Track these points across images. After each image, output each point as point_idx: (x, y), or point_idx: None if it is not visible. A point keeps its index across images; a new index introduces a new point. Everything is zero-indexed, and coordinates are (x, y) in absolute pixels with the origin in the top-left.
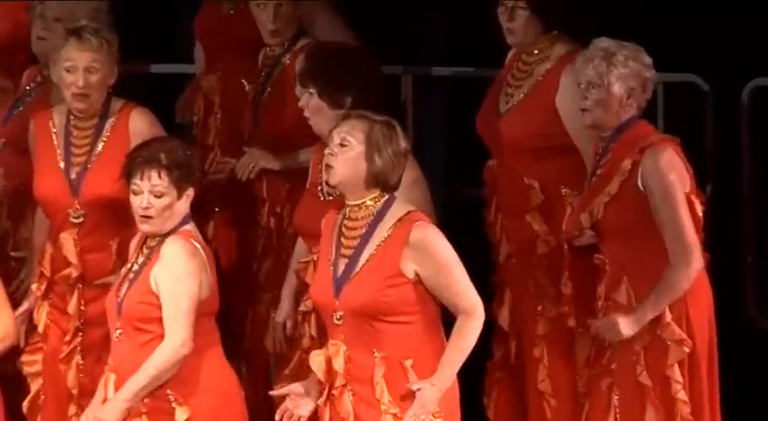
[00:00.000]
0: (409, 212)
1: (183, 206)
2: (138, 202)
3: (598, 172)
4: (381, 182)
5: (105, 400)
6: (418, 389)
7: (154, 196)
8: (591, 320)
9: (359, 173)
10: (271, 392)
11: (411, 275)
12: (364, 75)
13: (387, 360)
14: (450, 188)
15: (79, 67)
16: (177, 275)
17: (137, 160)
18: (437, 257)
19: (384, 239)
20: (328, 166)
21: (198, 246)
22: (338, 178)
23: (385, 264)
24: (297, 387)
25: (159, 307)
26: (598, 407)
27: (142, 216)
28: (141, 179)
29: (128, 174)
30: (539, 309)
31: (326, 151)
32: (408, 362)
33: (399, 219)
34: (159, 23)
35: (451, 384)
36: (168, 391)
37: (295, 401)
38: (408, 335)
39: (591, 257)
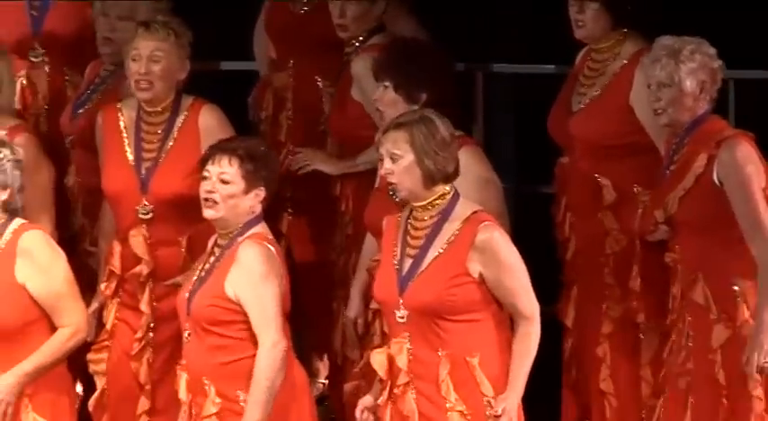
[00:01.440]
0: (476, 212)
1: (251, 203)
2: (204, 187)
3: (672, 167)
4: (440, 178)
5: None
6: (503, 410)
7: (220, 182)
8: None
9: (417, 179)
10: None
11: (476, 275)
12: (440, 71)
13: (451, 357)
14: (519, 185)
15: (143, 55)
16: (257, 280)
17: (214, 148)
18: (501, 260)
19: (451, 239)
20: (391, 184)
21: (272, 248)
22: (404, 191)
23: (451, 264)
24: (367, 400)
25: (231, 311)
26: (674, 406)
27: (205, 199)
28: (212, 164)
29: (203, 161)
30: (604, 307)
31: (383, 172)
32: (474, 360)
33: (467, 219)
34: (229, 21)
35: None
36: (238, 392)
37: (372, 411)
38: (473, 334)
39: (661, 255)
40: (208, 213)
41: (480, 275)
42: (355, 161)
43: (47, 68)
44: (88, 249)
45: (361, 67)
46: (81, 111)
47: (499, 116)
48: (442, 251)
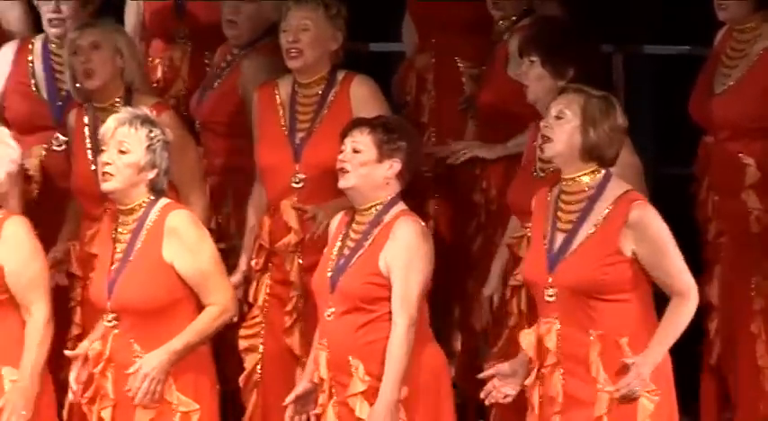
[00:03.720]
0: (627, 191)
1: (385, 174)
2: (339, 156)
3: None
4: (596, 156)
5: (315, 379)
6: (632, 363)
7: (352, 151)
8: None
9: (574, 146)
10: (479, 376)
11: (629, 254)
12: (587, 48)
13: (602, 338)
14: (659, 166)
15: (292, 25)
16: (412, 257)
17: (354, 121)
18: (655, 238)
19: (603, 217)
20: (544, 138)
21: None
22: (554, 151)
23: (604, 243)
24: (504, 367)
25: (384, 287)
26: None
27: (339, 168)
28: (348, 136)
29: (342, 136)
30: (752, 285)
31: (542, 124)
32: (624, 341)
33: (618, 198)
34: (378, 2)
35: (667, 365)
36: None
37: (503, 380)
38: (623, 314)
39: None
40: (341, 183)
41: (633, 254)
42: (507, 145)
43: (189, 51)
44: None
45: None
46: (208, 95)
47: (637, 97)
48: (594, 230)
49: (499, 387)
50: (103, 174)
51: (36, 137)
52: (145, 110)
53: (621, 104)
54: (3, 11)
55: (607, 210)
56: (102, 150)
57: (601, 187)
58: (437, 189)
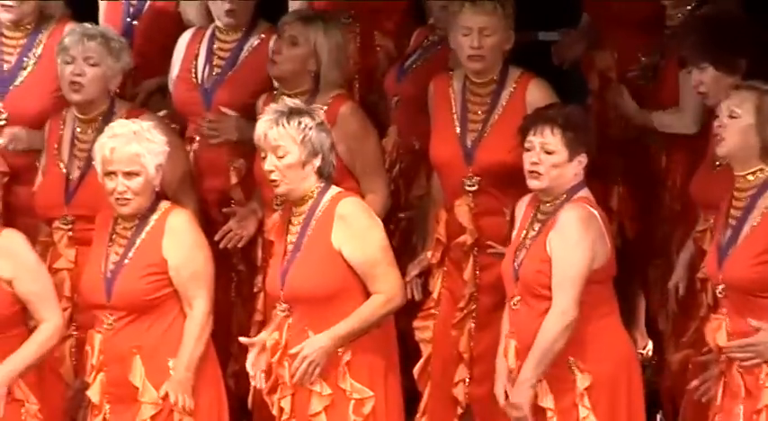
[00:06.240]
0: None
1: (574, 170)
2: (528, 158)
3: None
4: None
5: (508, 368)
6: (758, 329)
7: (544, 152)
8: None
9: (748, 144)
10: (672, 358)
11: None
12: (754, 36)
13: None
14: None
15: (474, 29)
16: (570, 242)
17: (534, 117)
18: None
19: (763, 213)
20: (718, 138)
21: (595, 213)
22: (726, 149)
23: (760, 241)
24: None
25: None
26: None
27: (530, 171)
28: (534, 134)
29: (524, 131)
30: None
31: (716, 123)
32: None
33: None
34: None
35: None
36: (570, 358)
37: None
38: None
39: None
40: (533, 184)
41: None
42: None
43: (357, 33)
44: (399, 216)
45: None
46: (409, 73)
47: None
48: (753, 227)
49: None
50: (272, 181)
51: (193, 123)
52: (286, 100)
53: None
54: (183, 7)
55: (766, 210)
56: (264, 157)
57: (765, 185)
58: (623, 175)
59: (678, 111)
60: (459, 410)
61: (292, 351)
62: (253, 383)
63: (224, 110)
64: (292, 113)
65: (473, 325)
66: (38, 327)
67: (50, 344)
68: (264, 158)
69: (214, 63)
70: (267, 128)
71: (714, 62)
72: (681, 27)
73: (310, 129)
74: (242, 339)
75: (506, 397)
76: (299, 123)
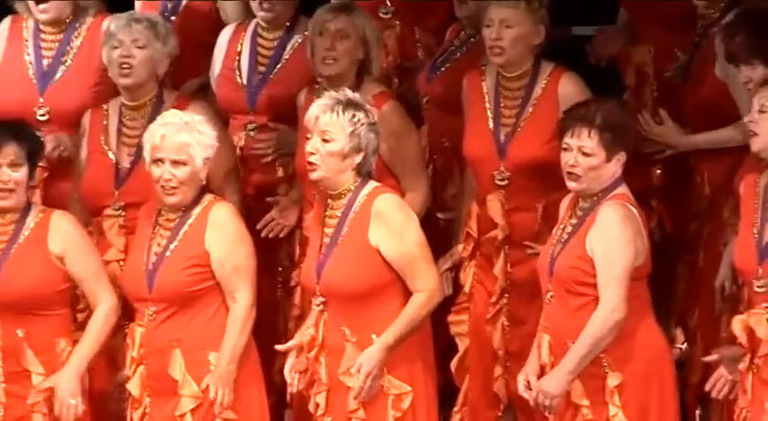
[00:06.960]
0: None
1: (613, 169)
2: (565, 160)
3: None
4: None
5: (540, 363)
6: None
7: (581, 154)
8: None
9: None
10: (705, 359)
11: None
12: None
13: None
14: None
15: (495, 20)
16: (613, 241)
17: (571, 117)
18: None
19: None
20: (750, 133)
21: (634, 210)
22: (760, 145)
23: None
24: (728, 351)
25: (592, 271)
26: None
27: (568, 172)
28: (572, 136)
29: (561, 130)
30: None
31: (747, 118)
32: None
33: None
34: None
35: None
36: (602, 355)
37: (729, 366)
38: None
39: None
40: (571, 185)
41: None
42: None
43: (397, 28)
44: (438, 216)
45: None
46: (438, 72)
47: None
48: None
49: (725, 376)
50: (309, 163)
51: (237, 121)
52: (347, 92)
53: None
54: (221, 4)
55: None
56: (308, 138)
57: None
58: (661, 177)
59: (737, 125)
60: (502, 406)
61: (351, 370)
62: (290, 390)
63: (271, 125)
64: (349, 104)
65: (506, 321)
66: (93, 313)
67: (109, 326)
68: (309, 139)
69: (258, 61)
70: (321, 111)
71: (766, 60)
72: (727, 25)
73: (362, 125)
74: (278, 347)
75: (527, 386)
76: (354, 116)
